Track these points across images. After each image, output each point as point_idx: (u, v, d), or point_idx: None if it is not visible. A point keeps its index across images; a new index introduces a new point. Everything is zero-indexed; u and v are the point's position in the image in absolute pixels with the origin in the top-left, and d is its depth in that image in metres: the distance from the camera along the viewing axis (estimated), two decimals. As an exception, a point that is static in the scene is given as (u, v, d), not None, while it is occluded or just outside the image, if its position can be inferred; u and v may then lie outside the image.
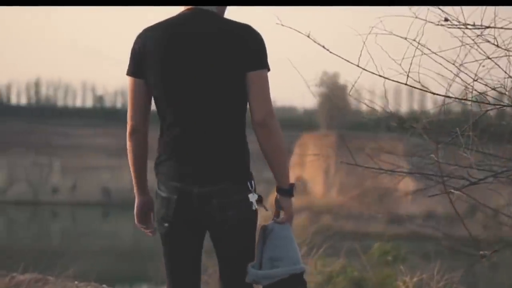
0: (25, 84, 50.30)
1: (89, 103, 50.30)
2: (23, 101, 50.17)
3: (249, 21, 3.15)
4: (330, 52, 3.89)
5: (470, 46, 3.78)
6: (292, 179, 3.20)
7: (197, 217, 2.99)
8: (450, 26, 3.72)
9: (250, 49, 2.96)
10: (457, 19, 3.74)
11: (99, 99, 49.97)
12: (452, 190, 3.83)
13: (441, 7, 3.74)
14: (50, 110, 48.06)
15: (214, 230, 3.02)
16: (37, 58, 73.28)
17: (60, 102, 50.41)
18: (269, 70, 3.00)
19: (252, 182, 3.02)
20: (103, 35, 76.34)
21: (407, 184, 15.78)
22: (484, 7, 3.74)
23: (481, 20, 3.75)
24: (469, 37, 3.78)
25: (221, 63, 2.95)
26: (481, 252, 4.06)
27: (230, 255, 3.04)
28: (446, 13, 3.73)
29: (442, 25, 3.71)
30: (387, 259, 14.82)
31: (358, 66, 3.79)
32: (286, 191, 3.06)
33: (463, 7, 3.76)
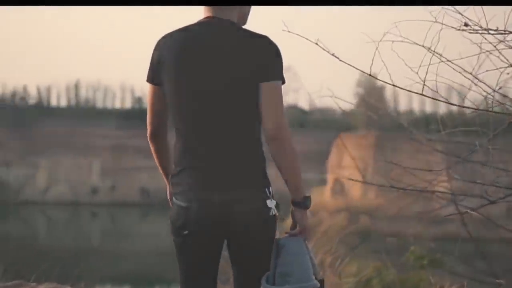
0: (65, 86, 50.86)
1: (128, 104, 50.69)
2: (63, 103, 50.74)
3: (260, 24, 3.13)
4: (340, 60, 3.78)
5: (490, 52, 3.61)
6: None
7: (217, 226, 3.00)
8: (471, 31, 3.56)
9: (264, 60, 2.96)
10: (479, 23, 3.58)
11: (138, 100, 50.30)
12: (468, 211, 3.68)
13: (460, 11, 3.60)
14: (89, 111, 48.51)
15: (233, 237, 3.03)
16: (77, 60, 73.99)
17: (99, 104, 50.88)
18: (283, 82, 2.99)
19: (270, 188, 3.04)
20: (140, 35, 76.87)
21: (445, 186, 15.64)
22: (507, 9, 3.57)
23: (505, 25, 3.58)
24: (491, 43, 3.61)
25: (235, 73, 2.96)
26: (497, 280, 3.96)
27: (248, 261, 3.06)
28: (466, 18, 3.59)
29: (463, 30, 3.57)
30: (422, 263, 14.73)
31: (370, 75, 3.69)
32: (300, 203, 3.05)
33: (485, 11, 3.58)
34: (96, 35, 76.21)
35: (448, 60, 3.60)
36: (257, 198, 2.99)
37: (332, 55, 3.77)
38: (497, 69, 3.64)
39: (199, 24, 3.07)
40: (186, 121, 3.03)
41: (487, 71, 3.62)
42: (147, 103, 3.17)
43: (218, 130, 2.99)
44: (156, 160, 3.26)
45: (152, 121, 3.17)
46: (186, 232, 3.03)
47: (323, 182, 35.00)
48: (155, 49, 3.09)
